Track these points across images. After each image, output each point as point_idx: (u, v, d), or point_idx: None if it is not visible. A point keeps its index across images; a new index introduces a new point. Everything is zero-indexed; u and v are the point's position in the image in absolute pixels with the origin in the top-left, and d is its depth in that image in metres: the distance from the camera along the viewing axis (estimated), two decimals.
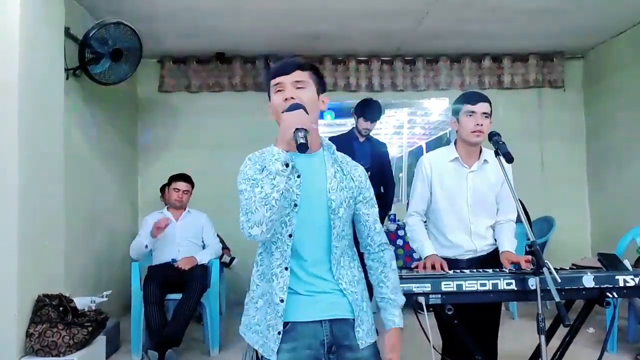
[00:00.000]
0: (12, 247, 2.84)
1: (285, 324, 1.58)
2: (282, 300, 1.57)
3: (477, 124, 2.37)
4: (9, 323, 2.82)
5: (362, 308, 1.65)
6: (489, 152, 2.45)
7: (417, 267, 2.36)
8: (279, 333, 1.56)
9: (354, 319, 1.63)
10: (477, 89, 5.49)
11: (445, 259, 2.39)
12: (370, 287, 1.74)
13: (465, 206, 2.46)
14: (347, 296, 1.63)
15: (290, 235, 1.58)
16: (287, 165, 1.47)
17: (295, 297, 1.59)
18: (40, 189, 3.10)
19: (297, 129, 1.47)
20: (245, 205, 1.50)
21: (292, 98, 1.58)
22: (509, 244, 2.46)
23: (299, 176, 1.58)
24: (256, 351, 1.98)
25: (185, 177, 4.27)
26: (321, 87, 1.68)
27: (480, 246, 2.48)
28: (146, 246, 4.01)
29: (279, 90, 1.61)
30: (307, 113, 1.53)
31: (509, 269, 2.28)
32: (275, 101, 1.61)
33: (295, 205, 1.57)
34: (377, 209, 1.76)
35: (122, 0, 4.01)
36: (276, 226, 1.56)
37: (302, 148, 1.45)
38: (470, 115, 2.39)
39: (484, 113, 2.39)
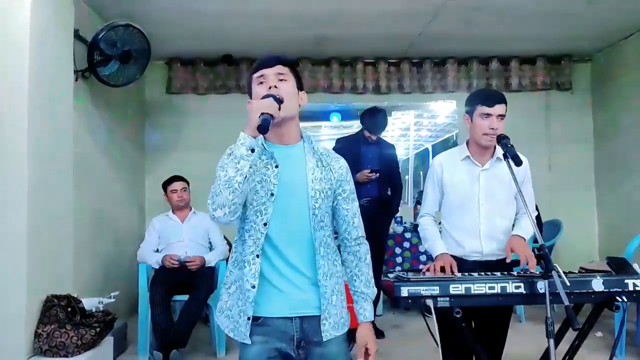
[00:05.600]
0: (22, 248, 2.85)
1: (258, 317, 1.62)
2: (253, 287, 1.60)
3: (492, 128, 2.33)
4: (18, 323, 2.83)
5: (331, 302, 1.67)
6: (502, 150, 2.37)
7: (427, 269, 2.35)
8: (248, 318, 1.61)
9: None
10: None
11: (454, 257, 2.38)
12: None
13: (477, 206, 2.42)
14: (319, 289, 1.65)
15: (265, 224, 1.61)
16: (252, 150, 1.51)
17: (268, 288, 1.63)
18: (49, 190, 3.11)
19: (262, 113, 1.52)
20: (212, 188, 1.54)
21: (275, 87, 1.62)
22: (521, 230, 2.41)
23: (276, 166, 1.62)
24: None
25: (177, 177, 4.30)
26: (300, 84, 1.73)
27: (488, 249, 2.42)
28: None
29: (261, 82, 1.66)
30: (280, 103, 1.57)
31: (518, 272, 2.26)
32: (259, 92, 1.64)
33: (272, 194, 1.61)
34: (357, 203, 1.79)
35: (130, 2, 4.04)
36: (250, 214, 1.61)
37: (262, 130, 1.50)
38: (486, 118, 2.35)
39: (500, 115, 2.35)
